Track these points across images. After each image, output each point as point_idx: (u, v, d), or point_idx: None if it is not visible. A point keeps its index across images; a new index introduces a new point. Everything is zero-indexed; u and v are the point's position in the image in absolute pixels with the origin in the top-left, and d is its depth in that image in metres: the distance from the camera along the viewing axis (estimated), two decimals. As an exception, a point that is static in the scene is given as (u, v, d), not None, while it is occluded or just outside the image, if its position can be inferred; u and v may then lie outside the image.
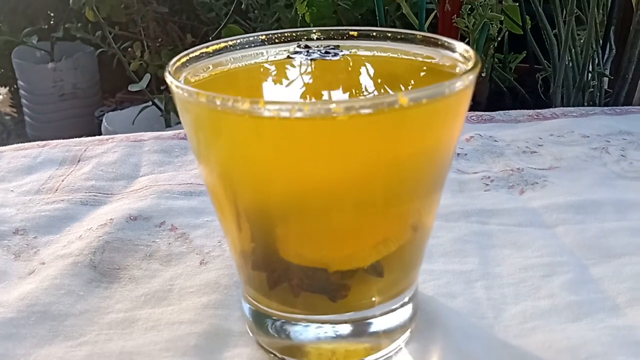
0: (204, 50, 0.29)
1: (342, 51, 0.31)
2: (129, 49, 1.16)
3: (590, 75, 0.74)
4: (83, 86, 1.33)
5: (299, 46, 0.31)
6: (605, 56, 0.76)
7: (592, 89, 0.71)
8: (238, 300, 0.32)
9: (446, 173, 0.27)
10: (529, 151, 0.48)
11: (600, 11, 0.75)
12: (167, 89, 0.81)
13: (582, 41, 0.77)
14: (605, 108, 0.54)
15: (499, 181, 0.43)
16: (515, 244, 0.36)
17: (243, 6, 1.05)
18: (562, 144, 0.49)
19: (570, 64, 0.76)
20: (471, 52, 0.26)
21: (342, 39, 0.31)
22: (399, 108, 0.22)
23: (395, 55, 0.30)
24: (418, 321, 0.30)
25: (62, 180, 0.46)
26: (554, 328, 0.30)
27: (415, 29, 0.73)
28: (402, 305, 0.29)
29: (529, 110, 0.55)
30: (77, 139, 0.52)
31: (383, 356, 0.28)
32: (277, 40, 0.32)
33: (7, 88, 1.61)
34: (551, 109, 0.55)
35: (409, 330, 0.30)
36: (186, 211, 0.41)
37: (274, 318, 0.28)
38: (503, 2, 0.80)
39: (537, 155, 0.47)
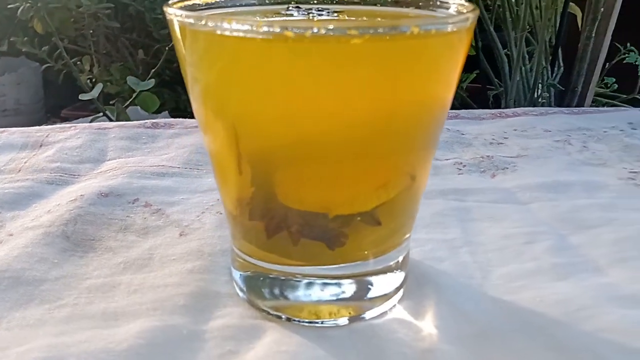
0: (197, 1, 0.29)
1: (336, 13, 0.31)
2: (78, 63, 1.13)
3: (540, 89, 0.77)
4: (26, 102, 1.28)
5: (288, 8, 0.32)
6: (554, 73, 0.80)
7: (544, 101, 0.74)
8: (224, 267, 0.31)
9: (441, 126, 0.28)
10: (496, 142, 0.49)
11: (549, 30, 0.79)
12: (117, 102, 0.78)
13: (532, 59, 0.80)
14: (564, 108, 0.57)
15: (470, 166, 0.44)
16: (493, 217, 0.37)
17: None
18: (526, 137, 0.50)
19: (521, 81, 0.80)
20: (466, 3, 0.27)
21: (335, 3, 0.32)
22: (409, 36, 0.22)
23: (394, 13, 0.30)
24: (410, 282, 0.30)
25: (25, 162, 0.44)
26: (542, 286, 0.30)
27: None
28: (395, 264, 0.29)
29: (491, 110, 0.56)
30: (37, 127, 0.50)
31: (378, 314, 0.28)
32: (267, 2, 0.32)
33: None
34: (512, 109, 0.57)
35: (402, 289, 0.29)
36: (160, 189, 0.40)
37: (270, 274, 0.28)
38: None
39: (504, 146, 0.48)
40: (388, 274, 0.28)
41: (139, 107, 0.99)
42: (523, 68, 0.80)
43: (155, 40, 1.22)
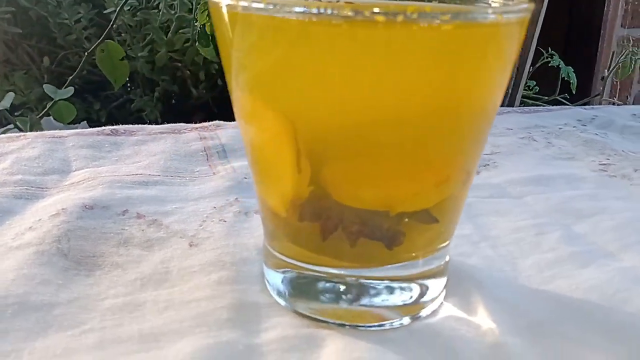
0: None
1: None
2: (-27, 72, 1.03)
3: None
4: None
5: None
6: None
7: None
8: (252, 276, 0.29)
9: (492, 120, 0.27)
10: (467, 141, 0.50)
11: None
12: (29, 113, 0.72)
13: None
14: (515, 108, 0.59)
15: (453, 164, 0.45)
16: (497, 211, 0.38)
17: (115, 26, 0.99)
18: (492, 135, 0.52)
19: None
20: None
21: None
22: (486, 24, 0.22)
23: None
24: (448, 278, 0.30)
25: (-21, 176, 0.38)
26: (571, 274, 0.31)
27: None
28: (445, 262, 0.28)
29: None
30: (-21, 137, 0.45)
31: (431, 312, 0.27)
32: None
33: None
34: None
35: (444, 290, 0.29)
36: (148, 199, 0.37)
37: (321, 279, 0.26)
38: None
39: (476, 144, 0.49)
40: (439, 275, 0.28)
41: (52, 118, 0.92)
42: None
43: (60, 47, 1.14)
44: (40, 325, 0.25)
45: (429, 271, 0.27)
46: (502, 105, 0.78)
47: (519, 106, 0.79)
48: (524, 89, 0.83)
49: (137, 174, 0.40)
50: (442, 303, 0.28)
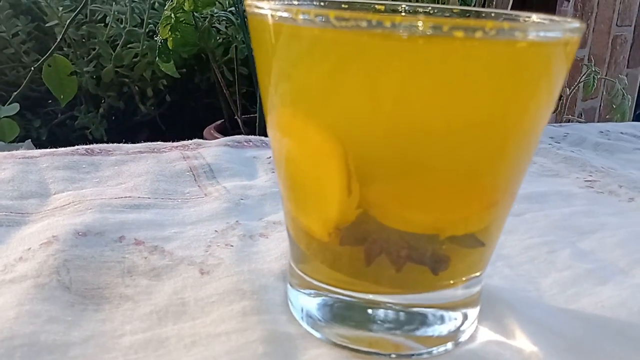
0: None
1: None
2: None
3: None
4: None
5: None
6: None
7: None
8: (276, 304, 0.27)
9: (538, 143, 0.27)
10: (452, 158, 0.50)
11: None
12: None
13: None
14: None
15: (446, 182, 0.44)
16: (503, 230, 0.37)
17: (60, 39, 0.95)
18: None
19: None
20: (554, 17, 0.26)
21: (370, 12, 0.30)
22: (547, 42, 0.21)
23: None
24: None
25: (-52, 201, 0.35)
26: (592, 291, 0.31)
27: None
28: (481, 287, 0.27)
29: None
30: (-62, 158, 0.41)
31: (468, 337, 0.26)
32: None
33: None
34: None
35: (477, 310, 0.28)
36: (144, 224, 0.34)
37: (359, 306, 0.25)
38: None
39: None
40: (477, 303, 0.27)
41: (-7, 137, 0.86)
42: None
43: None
44: (56, 370, 0.22)
45: (470, 298, 0.26)
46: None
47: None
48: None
49: (126, 197, 0.37)
50: (477, 327, 0.27)
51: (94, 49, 1.01)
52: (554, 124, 0.63)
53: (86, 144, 0.45)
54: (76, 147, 0.44)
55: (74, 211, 0.34)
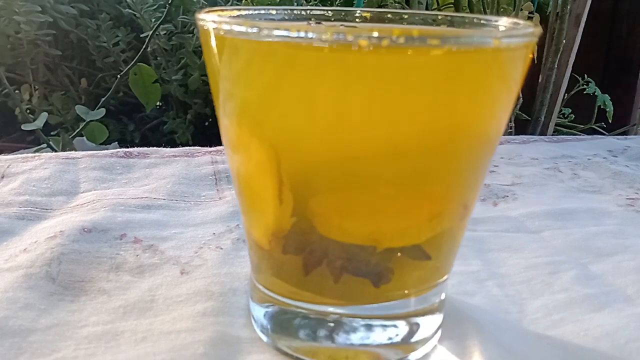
0: (222, 13, 0.26)
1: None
2: (16, 92, 1.06)
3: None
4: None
5: (309, 23, 0.29)
6: (515, 105, 0.81)
7: (510, 131, 0.75)
8: (239, 307, 0.28)
9: (494, 150, 0.26)
10: (488, 170, 0.48)
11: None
12: (61, 132, 0.73)
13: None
14: (544, 137, 0.57)
15: (470, 195, 0.43)
16: (510, 247, 0.36)
17: (151, 49, 1.01)
18: (515, 165, 0.50)
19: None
20: (515, 20, 0.25)
21: (358, 21, 0.30)
22: (488, 49, 0.20)
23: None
24: (446, 319, 0.28)
25: (-13, 195, 0.39)
26: (581, 318, 0.29)
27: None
28: (439, 301, 0.26)
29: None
30: (-5, 157, 0.45)
31: (422, 356, 0.26)
32: (286, 18, 0.29)
33: None
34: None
35: (440, 328, 0.27)
36: (148, 223, 0.36)
37: (304, 315, 0.25)
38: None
39: (496, 174, 0.48)
40: (431, 314, 0.26)
41: (85, 138, 0.94)
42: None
43: (98, 69, 1.17)
44: (12, 352, 0.24)
45: (418, 311, 0.25)
46: (533, 134, 0.76)
47: (553, 134, 0.76)
48: (559, 117, 0.80)
49: (142, 197, 0.39)
50: (435, 346, 0.26)
51: (182, 58, 1.07)
52: (617, 136, 0.59)
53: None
54: (117, 149, 0.47)
55: (90, 209, 0.37)
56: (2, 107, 1.09)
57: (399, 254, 0.24)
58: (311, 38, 0.19)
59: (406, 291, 0.25)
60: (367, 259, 0.24)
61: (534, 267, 0.33)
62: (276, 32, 0.20)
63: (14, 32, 1.00)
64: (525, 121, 0.76)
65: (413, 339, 0.25)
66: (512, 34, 0.22)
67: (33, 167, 0.43)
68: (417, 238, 0.24)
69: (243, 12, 0.26)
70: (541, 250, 0.35)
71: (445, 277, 0.26)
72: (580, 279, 0.32)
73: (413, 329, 0.25)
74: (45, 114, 0.87)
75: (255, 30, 0.20)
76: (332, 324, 0.25)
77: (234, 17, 0.25)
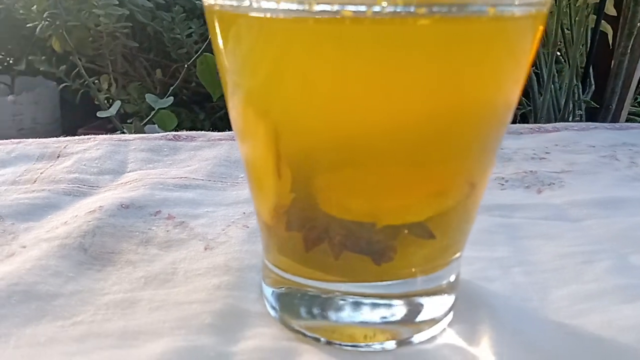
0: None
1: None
2: (95, 82, 1.12)
3: (571, 108, 0.75)
4: (43, 121, 1.27)
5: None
6: (586, 92, 0.77)
7: (577, 119, 0.72)
8: (253, 283, 0.29)
9: (505, 128, 0.25)
10: (538, 157, 0.46)
11: (580, 48, 0.77)
12: (134, 120, 0.76)
13: (561, 77, 0.78)
14: (605, 124, 0.54)
15: (514, 182, 0.41)
16: (546, 235, 0.34)
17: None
18: (570, 152, 0.47)
19: (550, 100, 0.77)
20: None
21: None
22: (484, 18, 0.19)
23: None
24: (459, 303, 0.27)
25: (41, 173, 0.41)
26: (609, 309, 0.27)
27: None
28: (447, 283, 0.26)
29: (529, 125, 0.54)
30: (55, 138, 0.48)
31: (427, 338, 0.25)
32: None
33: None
34: (552, 124, 0.54)
35: (452, 312, 0.26)
36: (184, 202, 0.37)
37: (307, 291, 0.25)
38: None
39: (547, 161, 0.46)
40: (439, 294, 0.25)
41: (156, 126, 0.98)
42: (552, 87, 0.77)
43: (173, 60, 1.21)
44: (37, 314, 0.26)
45: (423, 291, 0.25)
46: (604, 121, 0.72)
47: (625, 122, 0.72)
48: (632, 105, 0.75)
49: (181, 177, 0.41)
50: (444, 329, 0.26)
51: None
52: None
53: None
54: (166, 133, 0.49)
55: (132, 187, 0.39)
56: (84, 97, 1.15)
57: (402, 231, 0.23)
58: (299, 10, 0.19)
59: (412, 270, 0.24)
60: (368, 236, 0.23)
61: (567, 256, 0.32)
62: (264, 5, 0.20)
63: (94, 24, 1.05)
64: (596, 109, 0.72)
65: (418, 319, 0.25)
66: (511, 2, 0.21)
67: (87, 147, 0.46)
68: (418, 216, 0.23)
69: None
70: (579, 239, 0.33)
71: (455, 258, 0.26)
72: (616, 269, 0.30)
73: (418, 309, 0.25)
74: (119, 102, 0.92)
75: (246, 3, 0.20)
76: (334, 301, 0.24)
77: None
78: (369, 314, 0.24)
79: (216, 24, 0.23)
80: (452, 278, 0.26)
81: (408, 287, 0.25)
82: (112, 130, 1.12)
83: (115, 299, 0.27)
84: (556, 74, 0.79)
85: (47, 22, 0.99)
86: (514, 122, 0.84)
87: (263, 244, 0.27)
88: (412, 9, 0.19)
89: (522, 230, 0.34)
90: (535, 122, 0.79)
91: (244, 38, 0.22)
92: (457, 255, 0.26)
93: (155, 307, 0.27)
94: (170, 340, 0.24)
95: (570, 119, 0.74)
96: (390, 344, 0.24)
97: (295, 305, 0.25)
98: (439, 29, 0.20)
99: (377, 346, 0.24)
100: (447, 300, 0.26)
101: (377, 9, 0.19)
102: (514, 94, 0.23)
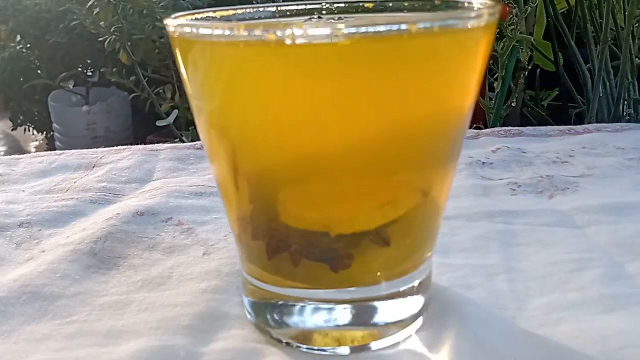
0: (211, 14, 0.28)
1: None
2: (160, 92, 1.18)
3: (626, 104, 0.71)
4: (115, 129, 1.36)
5: (310, 19, 0.30)
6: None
7: (628, 118, 0.68)
8: (239, 287, 0.30)
9: (460, 138, 0.25)
10: (560, 161, 0.45)
11: (635, 42, 0.73)
12: (192, 128, 0.79)
13: (616, 74, 0.74)
14: (640, 124, 0.52)
15: (526, 187, 0.41)
16: (542, 242, 0.34)
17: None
18: (594, 155, 0.46)
19: (605, 97, 0.74)
20: (489, 2, 0.24)
21: (357, 12, 0.30)
22: (411, 35, 0.20)
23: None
24: (431, 310, 0.27)
25: (75, 182, 0.45)
26: (583, 319, 0.27)
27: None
28: (410, 289, 0.26)
29: (560, 126, 0.52)
30: (94, 149, 0.52)
31: (389, 344, 0.26)
32: (288, 13, 0.31)
33: (44, 134, 1.65)
34: (584, 125, 0.53)
35: (421, 318, 0.27)
36: (195, 209, 0.40)
37: (272, 298, 0.26)
38: (533, 35, 0.79)
39: (568, 165, 0.44)
40: (399, 299, 0.26)
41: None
42: (607, 83, 0.74)
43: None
44: (39, 313, 0.29)
45: (383, 296, 0.25)
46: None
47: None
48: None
49: (199, 185, 0.43)
50: (410, 336, 0.26)
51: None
52: None
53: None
54: (195, 142, 0.52)
55: (151, 195, 0.42)
56: (153, 105, 1.21)
57: (356, 239, 0.24)
58: (231, 35, 0.21)
59: (373, 276, 0.25)
60: (326, 244, 0.24)
61: (557, 264, 0.31)
62: (215, 32, 0.22)
63: (158, 37, 1.11)
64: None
65: (376, 324, 0.26)
66: (432, 19, 0.21)
67: (121, 157, 0.49)
68: (368, 224, 0.24)
69: (224, 13, 0.28)
70: (575, 246, 0.33)
71: (418, 264, 0.26)
72: (606, 278, 0.30)
73: (374, 313, 0.25)
74: (176, 110, 0.96)
75: (200, 30, 0.22)
76: (296, 307, 0.26)
77: (193, 19, 0.27)
78: (327, 319, 0.25)
79: (177, 51, 0.24)
80: (416, 283, 0.26)
81: (368, 292, 0.25)
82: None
83: (110, 300, 0.30)
84: (611, 71, 0.75)
85: (114, 37, 1.05)
86: (567, 122, 0.81)
87: (239, 254, 0.28)
88: (350, 30, 0.20)
89: (518, 237, 0.34)
90: (589, 120, 0.76)
91: (199, 63, 0.24)
92: (422, 260, 0.26)
93: (143, 308, 0.29)
94: (147, 339, 0.26)
95: (625, 117, 0.71)
96: (344, 349, 0.25)
97: (264, 310, 0.27)
98: (373, 47, 0.21)
99: (332, 350, 0.25)
100: (410, 305, 0.26)
101: (314, 32, 0.20)
102: (461, 107, 0.24)
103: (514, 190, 0.41)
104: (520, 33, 0.61)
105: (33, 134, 1.50)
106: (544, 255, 0.32)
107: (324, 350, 0.25)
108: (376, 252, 0.25)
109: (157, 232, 0.37)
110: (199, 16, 0.27)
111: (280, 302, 0.26)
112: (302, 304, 0.26)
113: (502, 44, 0.64)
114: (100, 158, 0.49)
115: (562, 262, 0.31)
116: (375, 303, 0.26)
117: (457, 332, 0.26)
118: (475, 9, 0.23)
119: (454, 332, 0.26)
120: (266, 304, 0.27)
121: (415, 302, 0.26)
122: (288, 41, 0.20)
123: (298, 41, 0.20)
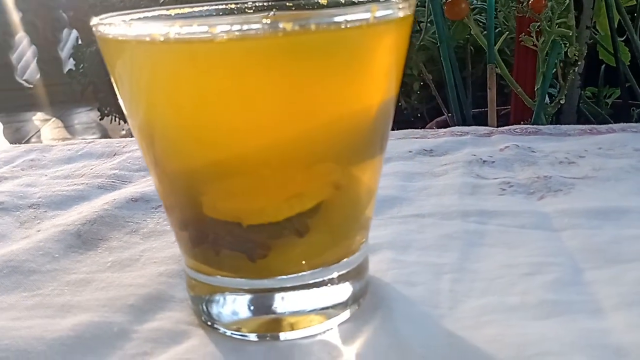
0: (146, 14, 0.29)
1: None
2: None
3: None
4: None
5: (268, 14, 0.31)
6: None
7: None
8: (193, 273, 0.32)
9: (377, 133, 0.25)
10: (567, 162, 0.43)
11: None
12: None
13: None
14: (672, 124, 0.48)
15: (518, 187, 0.39)
16: (509, 244, 0.32)
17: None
18: (607, 156, 0.43)
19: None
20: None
21: (313, 8, 0.31)
22: (284, 34, 0.21)
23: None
24: (363, 305, 0.28)
25: (91, 169, 0.48)
26: (513, 323, 0.26)
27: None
28: (330, 280, 0.26)
29: (582, 125, 0.50)
30: (120, 139, 0.55)
31: (307, 334, 0.26)
32: (249, 11, 0.31)
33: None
34: (610, 125, 0.49)
35: (348, 311, 0.27)
36: (187, 197, 0.42)
37: (201, 285, 0.27)
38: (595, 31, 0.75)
39: (575, 166, 0.42)
40: (319, 288, 0.26)
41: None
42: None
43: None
44: (13, 285, 0.32)
45: (303, 285, 0.26)
46: None
47: None
48: None
49: (199, 175, 0.45)
50: (331, 329, 0.26)
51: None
52: None
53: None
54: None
55: (151, 183, 0.44)
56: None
57: (269, 230, 0.25)
58: (145, 34, 0.22)
59: (291, 266, 0.26)
60: (242, 234, 0.25)
61: (512, 266, 0.30)
62: (130, 32, 0.23)
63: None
64: None
65: (291, 312, 0.26)
66: (331, 15, 0.21)
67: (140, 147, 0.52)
68: (276, 216, 0.25)
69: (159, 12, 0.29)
70: (542, 250, 0.31)
71: (341, 257, 0.26)
72: (556, 283, 0.28)
73: (290, 302, 0.26)
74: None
75: (114, 30, 0.23)
76: (220, 294, 0.27)
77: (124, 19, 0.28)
78: (246, 306, 0.26)
79: (104, 53, 0.26)
80: (336, 274, 0.26)
81: (287, 282, 0.26)
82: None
83: (77, 278, 0.32)
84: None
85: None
86: (629, 121, 0.76)
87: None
88: (257, 26, 0.20)
89: (486, 238, 0.33)
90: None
91: (120, 64, 0.25)
92: (349, 252, 0.27)
93: (101, 287, 0.31)
94: (91, 315, 0.28)
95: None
96: (253, 336, 0.26)
97: (198, 294, 0.28)
98: (283, 43, 0.21)
99: (239, 335, 0.26)
100: (332, 296, 0.26)
101: (226, 28, 0.21)
102: (374, 102, 0.24)
103: (503, 190, 0.39)
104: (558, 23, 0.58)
105: (119, 123, 1.60)
106: (504, 257, 0.31)
107: (245, 336, 0.26)
108: (294, 243, 0.25)
109: (144, 217, 0.39)
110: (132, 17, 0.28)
111: (208, 289, 0.27)
112: (227, 292, 0.27)
113: (541, 39, 0.61)
114: (123, 147, 0.53)
115: (518, 265, 0.30)
116: (294, 292, 0.26)
117: (379, 327, 0.26)
118: (366, 5, 0.23)
119: (375, 327, 0.26)
120: (198, 289, 0.28)
121: (336, 293, 0.27)
122: (188, 38, 0.21)
123: (199, 37, 0.21)
